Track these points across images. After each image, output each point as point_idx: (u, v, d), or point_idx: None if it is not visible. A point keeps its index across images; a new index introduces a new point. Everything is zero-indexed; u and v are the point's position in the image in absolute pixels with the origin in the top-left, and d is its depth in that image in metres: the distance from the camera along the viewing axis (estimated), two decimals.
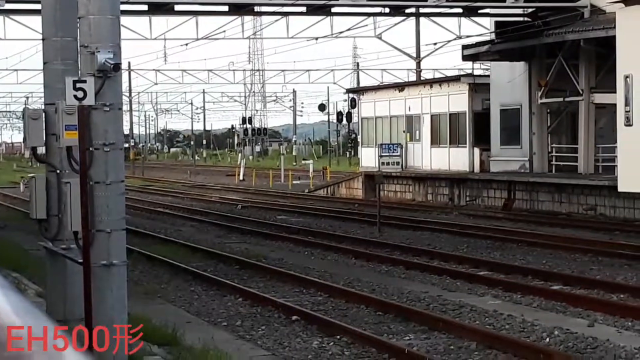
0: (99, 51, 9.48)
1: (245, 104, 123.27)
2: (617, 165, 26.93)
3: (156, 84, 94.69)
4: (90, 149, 9.50)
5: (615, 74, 5.39)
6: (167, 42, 66.23)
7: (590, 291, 16.16)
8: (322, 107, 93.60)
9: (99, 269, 9.48)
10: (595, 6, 34.02)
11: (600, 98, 33.66)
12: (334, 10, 36.87)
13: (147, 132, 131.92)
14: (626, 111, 4.36)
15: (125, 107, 78.97)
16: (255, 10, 37.98)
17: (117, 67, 9.51)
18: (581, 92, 34.67)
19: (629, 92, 4.27)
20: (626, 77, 4.33)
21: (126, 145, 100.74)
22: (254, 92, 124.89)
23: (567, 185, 32.82)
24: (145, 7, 34.50)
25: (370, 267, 20.18)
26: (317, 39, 49.23)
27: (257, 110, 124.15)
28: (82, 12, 9.62)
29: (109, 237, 9.50)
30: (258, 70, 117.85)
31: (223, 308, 15.33)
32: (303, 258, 21.85)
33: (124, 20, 33.28)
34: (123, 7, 13.25)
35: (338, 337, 12.74)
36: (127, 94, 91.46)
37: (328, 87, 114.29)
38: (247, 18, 51.64)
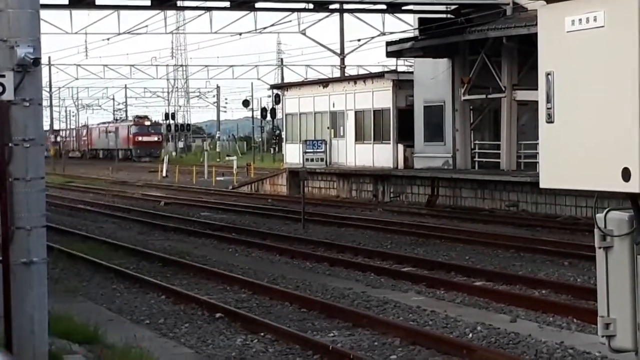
0: (18, 45, 9.31)
1: (168, 100, 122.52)
2: (538, 162, 27.21)
3: (77, 79, 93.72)
4: (10, 144, 9.33)
5: (536, 71, 5.49)
6: (88, 36, 65.61)
7: (513, 287, 16.30)
8: (246, 103, 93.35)
9: (18, 266, 9.31)
10: (517, 3, 34.38)
11: (523, 95, 34.02)
12: (257, 5, 36.76)
13: (69, 127, 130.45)
14: (547, 108, 4.42)
15: (45, 103, 77.88)
16: (178, 4, 37.71)
17: (37, 61, 9.35)
18: (504, 89, 35.01)
19: (550, 89, 4.33)
20: (547, 74, 4.39)
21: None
22: (177, 87, 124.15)
23: (489, 181, 33.13)
24: (65, 1, 34.06)
25: (294, 263, 20.16)
26: (240, 34, 49.08)
27: (180, 106, 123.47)
28: (0, 5, 9.45)
29: (29, 235, 9.34)
30: (181, 65, 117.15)
31: (146, 306, 15.19)
32: (227, 255, 21.75)
33: (44, 14, 32.82)
34: (43, 0, 13.05)
35: (262, 334, 12.69)
36: (48, 89, 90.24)
37: (252, 83, 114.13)
38: (170, 13, 51.32)
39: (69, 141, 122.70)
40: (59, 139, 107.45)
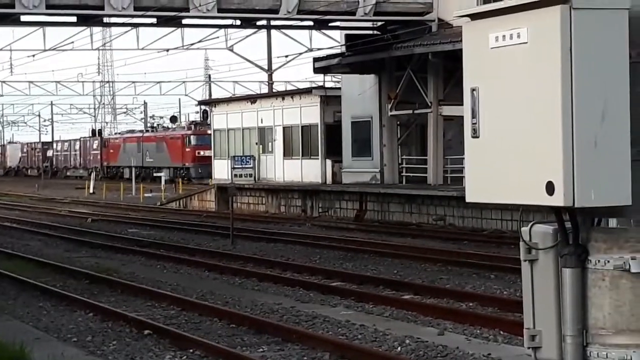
0: None
1: (95, 116, 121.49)
2: (464, 176, 27.47)
3: (2, 95, 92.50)
4: None
5: (462, 87, 5.54)
6: (13, 53, 64.86)
7: (440, 300, 16.42)
8: (173, 119, 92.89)
9: None
10: (443, 20, 34.72)
11: (448, 110, 34.33)
12: (184, 22, 36.65)
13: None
14: (473, 123, 4.46)
15: None
16: (105, 21, 37.45)
17: None
18: (430, 104, 35.29)
19: (476, 105, 4.37)
20: (473, 89, 4.43)
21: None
22: (103, 103, 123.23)
23: (417, 196, 33.34)
24: None
25: (223, 279, 20.09)
26: (168, 50, 48.89)
27: (107, 122, 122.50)
28: None
29: None
30: (108, 81, 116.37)
31: (73, 323, 15.03)
32: (155, 271, 21.61)
33: None
34: None
35: (191, 350, 12.62)
36: None
37: (180, 99, 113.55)
38: (97, 29, 50.95)
39: (66, 156, 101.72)
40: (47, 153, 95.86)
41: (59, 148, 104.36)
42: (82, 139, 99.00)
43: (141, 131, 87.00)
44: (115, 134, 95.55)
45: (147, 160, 77.86)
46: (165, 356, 12.44)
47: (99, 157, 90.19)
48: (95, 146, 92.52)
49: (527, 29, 3.64)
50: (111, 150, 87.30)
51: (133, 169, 68.12)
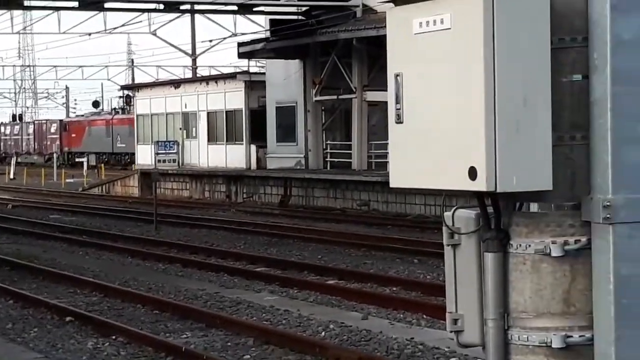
0: None
1: (15, 101, 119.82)
2: (389, 162, 27.62)
3: None
4: None
5: (386, 72, 5.52)
6: None
7: (364, 285, 16.49)
8: (96, 104, 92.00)
9: None
10: (367, 6, 34.80)
11: (373, 96, 34.45)
12: (107, 5, 36.28)
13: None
14: (397, 109, 4.43)
15: None
16: (25, 4, 36.92)
17: None
18: (354, 90, 35.38)
19: (399, 90, 4.34)
20: (396, 75, 4.41)
21: None
22: (24, 88, 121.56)
23: (341, 181, 33.44)
24: None
25: (146, 265, 19.97)
26: (90, 34, 48.38)
27: (27, 107, 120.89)
28: None
29: None
30: (28, 66, 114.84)
31: None
32: (77, 258, 21.40)
33: None
34: None
35: (114, 337, 12.53)
36: None
37: (102, 84, 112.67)
38: (17, 12, 50.19)
39: (16, 140, 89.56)
40: None
41: (7, 132, 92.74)
42: (36, 121, 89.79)
43: (110, 113, 79.22)
44: (77, 115, 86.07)
45: (119, 145, 69.92)
46: (87, 343, 12.33)
47: (58, 142, 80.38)
48: (53, 130, 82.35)
49: (450, 15, 3.65)
50: (73, 135, 77.94)
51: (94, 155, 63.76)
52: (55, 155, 69.98)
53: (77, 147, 76.70)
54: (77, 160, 67.98)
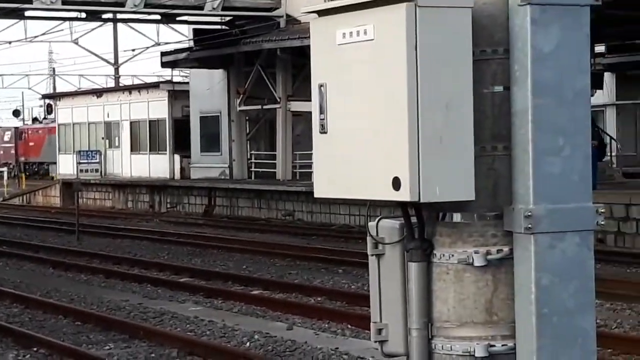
0: None
1: None
2: (313, 172, 27.69)
3: None
4: None
5: (310, 83, 5.52)
6: None
7: (289, 295, 16.49)
8: (16, 113, 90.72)
9: None
10: (291, 16, 34.85)
11: (297, 106, 34.49)
12: (27, 13, 35.85)
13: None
14: (321, 119, 4.43)
15: None
16: None
17: None
18: (279, 100, 35.39)
19: (324, 101, 4.35)
20: (320, 85, 4.41)
21: None
22: None
23: (266, 191, 33.40)
24: None
25: (69, 276, 19.75)
26: (10, 42, 47.75)
27: None
28: None
29: None
30: None
31: None
32: None
33: None
34: None
35: (35, 349, 12.37)
36: None
37: (23, 93, 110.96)
38: None
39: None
40: None
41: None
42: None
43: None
44: (36, 122, 77.31)
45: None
46: (8, 355, 12.16)
47: (13, 151, 73.57)
48: (7, 138, 75.37)
49: (373, 26, 3.67)
50: (31, 143, 71.63)
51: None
52: (8, 165, 64.91)
53: (35, 157, 71.15)
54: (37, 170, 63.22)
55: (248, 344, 12.46)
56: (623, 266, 19.40)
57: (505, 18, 3.68)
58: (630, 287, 16.33)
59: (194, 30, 37.87)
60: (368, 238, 4.00)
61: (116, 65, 59.97)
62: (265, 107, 36.34)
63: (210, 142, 38.74)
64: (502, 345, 3.72)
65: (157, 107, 41.97)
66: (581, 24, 3.66)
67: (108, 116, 45.02)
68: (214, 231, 29.09)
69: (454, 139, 3.61)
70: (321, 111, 3.99)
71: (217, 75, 38.26)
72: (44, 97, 67.02)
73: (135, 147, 43.29)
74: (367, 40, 3.69)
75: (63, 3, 32.67)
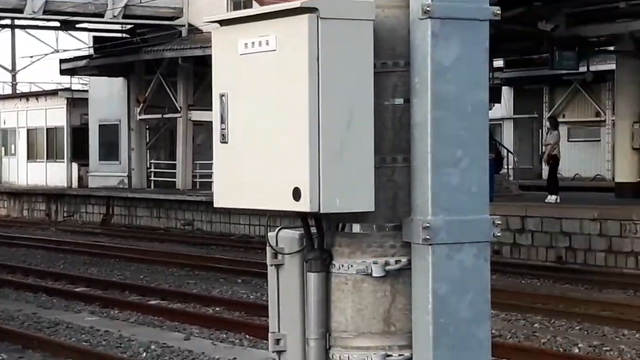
0: None
1: None
2: (213, 181, 27.62)
3: None
4: None
5: (212, 92, 5.52)
6: None
7: (187, 305, 16.39)
8: None
9: None
10: (193, 25, 34.72)
11: (198, 115, 34.35)
12: None
13: None
14: (222, 129, 4.42)
15: None
16: None
17: None
18: (179, 109, 35.20)
19: (225, 110, 4.34)
20: (222, 95, 4.40)
21: None
22: None
23: (165, 200, 33.17)
24: None
25: None
26: None
27: None
28: None
29: None
30: None
31: None
32: None
33: None
34: None
35: None
36: None
37: None
38: None
39: None
40: None
41: None
42: None
43: None
44: None
45: None
46: None
47: None
48: None
49: (275, 37, 3.68)
50: None
51: None
52: None
53: None
54: None
55: (144, 354, 12.35)
56: (518, 277, 19.72)
57: (406, 31, 3.71)
58: (524, 298, 16.61)
59: (94, 37, 37.47)
60: (267, 248, 4.00)
61: (13, 72, 59.01)
62: (165, 116, 36.11)
63: (109, 151, 38.36)
64: (399, 355, 3.74)
65: (55, 115, 41.41)
66: (480, 39, 3.72)
67: (4, 123, 44.28)
68: (112, 240, 28.79)
69: (355, 151, 3.63)
70: (222, 121, 3.98)
71: (117, 83, 37.92)
72: None
73: (32, 155, 42.63)
74: (270, 50, 3.69)
75: None
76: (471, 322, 3.71)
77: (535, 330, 13.99)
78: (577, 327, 14.22)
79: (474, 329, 3.72)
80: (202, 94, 33.95)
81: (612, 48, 28.16)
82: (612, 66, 28.13)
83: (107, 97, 38.13)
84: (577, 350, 12.60)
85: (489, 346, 3.77)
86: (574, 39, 25.42)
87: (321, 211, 3.61)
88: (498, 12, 3.72)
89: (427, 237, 3.64)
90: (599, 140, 41.32)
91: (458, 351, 3.68)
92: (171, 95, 35.31)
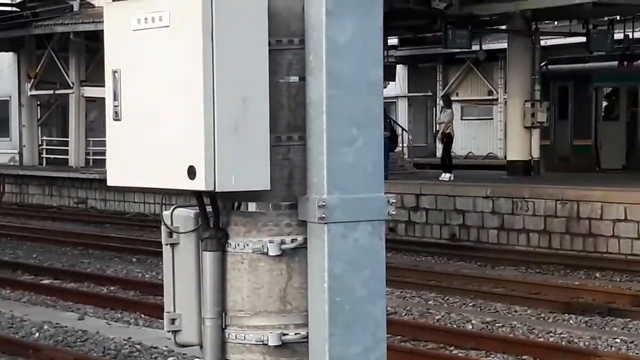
0: None
1: None
2: (107, 159, 27.31)
3: None
4: None
5: (105, 68, 5.44)
6: None
7: (81, 284, 16.21)
8: None
9: None
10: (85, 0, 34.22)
11: (91, 91, 33.89)
12: None
13: None
14: (115, 106, 4.35)
15: None
16: None
17: None
18: (72, 85, 34.69)
19: (117, 87, 4.27)
20: (114, 71, 4.33)
21: None
22: None
23: (57, 178, 32.70)
24: None
25: None
26: None
27: None
28: None
29: None
30: None
31: None
32: None
33: None
34: None
35: None
36: None
37: None
38: None
39: None
40: None
41: None
42: None
43: None
44: None
45: None
46: None
47: None
48: None
49: (169, 13, 3.63)
50: None
51: None
52: None
53: None
54: None
55: (37, 334, 12.17)
56: (413, 255, 19.94)
57: (301, 9, 3.70)
58: (419, 276, 16.81)
59: None
60: (162, 227, 3.96)
61: None
62: (57, 92, 35.56)
63: (0, 128, 37.66)
64: (295, 334, 3.75)
65: None
66: (375, 17, 3.72)
67: None
68: (3, 219, 28.28)
69: (250, 129, 3.61)
70: (115, 98, 3.92)
71: (7, 59, 37.21)
72: None
73: None
74: (163, 27, 3.65)
75: None
76: (366, 300, 3.72)
77: (429, 307, 14.16)
78: (471, 304, 14.43)
79: (369, 307, 3.73)
80: (95, 70, 33.48)
81: (504, 27, 28.56)
82: (504, 45, 28.53)
83: None
84: (470, 327, 12.80)
85: (384, 323, 3.79)
86: (467, 18, 25.72)
87: (217, 190, 3.59)
88: None
89: (323, 215, 3.64)
90: (492, 119, 41.92)
91: (354, 329, 3.70)
92: (63, 71, 34.77)
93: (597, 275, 17.24)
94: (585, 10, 25.29)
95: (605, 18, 27.76)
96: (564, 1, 23.85)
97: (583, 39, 27.30)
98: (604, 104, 30.57)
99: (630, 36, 28.12)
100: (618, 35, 27.86)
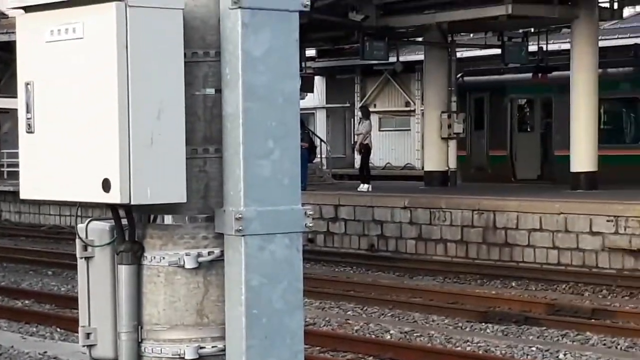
0: None
1: None
2: (20, 172, 26.94)
3: None
4: None
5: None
6: None
7: None
8: None
9: None
10: None
11: (4, 102, 33.40)
12: None
13: None
14: (27, 118, 4.30)
15: None
16: None
17: None
18: None
19: (30, 99, 4.22)
20: (27, 83, 4.27)
21: None
22: None
23: None
24: None
25: None
26: None
27: None
28: None
29: None
30: None
31: None
32: None
33: None
34: None
35: None
36: None
37: None
38: None
39: None
40: None
41: None
42: None
43: None
44: None
45: None
46: None
47: None
48: None
49: (83, 24, 3.60)
50: None
51: None
52: None
53: None
54: None
55: None
56: (332, 265, 19.99)
57: (217, 21, 3.69)
58: (337, 286, 16.84)
59: None
60: (77, 240, 3.92)
61: None
62: None
63: None
64: (212, 347, 3.73)
65: None
66: (291, 29, 3.73)
67: None
68: None
69: (166, 141, 3.59)
70: (28, 110, 3.87)
71: None
72: None
73: None
74: (77, 38, 3.61)
75: None
76: (284, 312, 3.72)
77: (348, 318, 14.19)
78: (389, 314, 14.50)
79: (286, 319, 3.73)
80: (8, 81, 33.05)
81: (420, 39, 28.80)
82: (421, 57, 28.76)
83: None
84: (388, 337, 12.86)
85: (302, 335, 3.79)
86: (384, 30, 25.89)
87: (132, 203, 3.56)
88: (307, 3, 3.74)
89: (240, 228, 3.63)
90: (409, 130, 42.22)
91: (271, 341, 3.69)
92: None
93: (513, 284, 17.44)
94: (500, 23, 25.62)
95: (520, 30, 28.14)
96: (479, 13, 24.13)
97: (498, 51, 27.62)
98: (519, 115, 30.97)
99: (544, 48, 28.53)
100: (532, 48, 28.25)
